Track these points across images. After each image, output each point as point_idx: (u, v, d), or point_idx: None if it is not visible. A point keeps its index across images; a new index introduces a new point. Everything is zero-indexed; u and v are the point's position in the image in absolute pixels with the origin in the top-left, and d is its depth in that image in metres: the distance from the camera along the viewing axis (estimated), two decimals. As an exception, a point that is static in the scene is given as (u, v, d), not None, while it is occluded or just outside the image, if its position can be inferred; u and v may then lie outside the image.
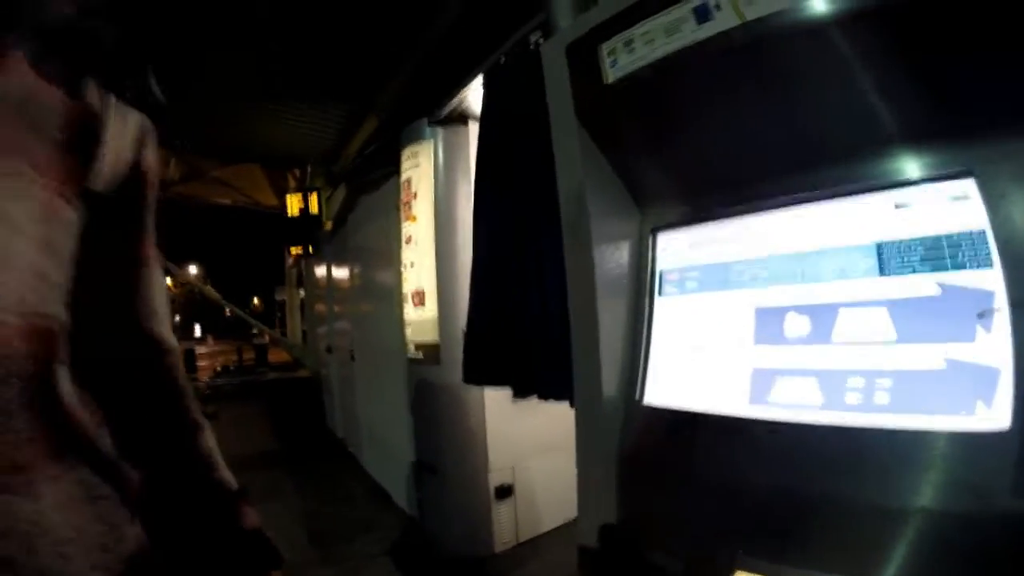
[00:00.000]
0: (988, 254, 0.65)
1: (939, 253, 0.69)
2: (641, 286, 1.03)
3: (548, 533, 2.77)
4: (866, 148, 0.76)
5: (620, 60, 0.91)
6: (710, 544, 0.81)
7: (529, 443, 2.71)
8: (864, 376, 0.72)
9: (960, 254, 0.67)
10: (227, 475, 0.62)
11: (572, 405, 1.12)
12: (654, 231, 1.04)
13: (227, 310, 11.13)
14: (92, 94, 0.49)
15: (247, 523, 0.61)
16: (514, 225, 1.73)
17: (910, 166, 0.73)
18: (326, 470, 4.40)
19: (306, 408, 6.46)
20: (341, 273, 4.86)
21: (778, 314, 0.83)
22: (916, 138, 0.72)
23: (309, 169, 5.79)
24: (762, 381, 0.83)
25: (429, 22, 2.56)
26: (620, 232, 1.05)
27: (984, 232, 0.65)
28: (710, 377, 0.90)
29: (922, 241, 0.71)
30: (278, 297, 15.58)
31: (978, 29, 0.61)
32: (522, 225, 1.69)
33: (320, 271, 5.82)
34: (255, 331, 12.50)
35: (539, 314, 1.64)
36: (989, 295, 0.64)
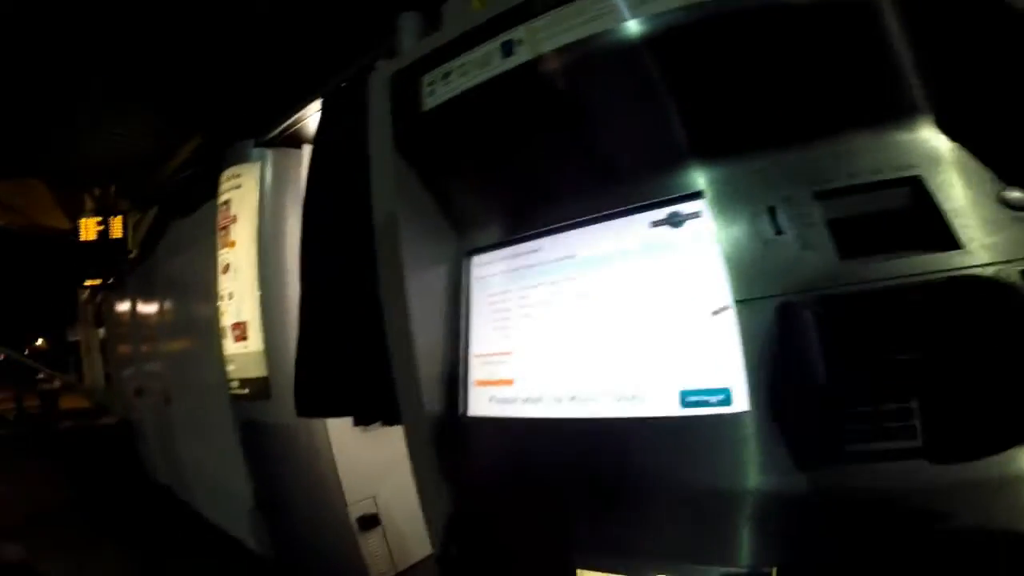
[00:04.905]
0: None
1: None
2: (457, 306, 1.08)
3: (430, 557, 2.61)
4: (637, 170, 0.89)
5: (437, 90, 0.97)
6: (554, 546, 0.86)
7: (390, 469, 2.56)
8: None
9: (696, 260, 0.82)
10: None
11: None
12: (469, 253, 1.10)
13: (-2, 355, 9.13)
14: None
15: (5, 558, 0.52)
16: (343, 252, 1.69)
17: (667, 186, 0.87)
18: (156, 521, 3.81)
19: (117, 457, 5.54)
20: (150, 308, 4.28)
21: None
22: (674, 161, 0.86)
23: (113, 189, 5.04)
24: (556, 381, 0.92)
25: (270, 36, 2.33)
26: (435, 256, 1.10)
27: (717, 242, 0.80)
28: (519, 382, 0.96)
29: (669, 248, 0.85)
30: (71, 338, 13.14)
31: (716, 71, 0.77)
32: (350, 252, 1.66)
33: (123, 306, 5.07)
34: (41, 376, 10.44)
35: (373, 340, 1.61)
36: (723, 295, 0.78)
